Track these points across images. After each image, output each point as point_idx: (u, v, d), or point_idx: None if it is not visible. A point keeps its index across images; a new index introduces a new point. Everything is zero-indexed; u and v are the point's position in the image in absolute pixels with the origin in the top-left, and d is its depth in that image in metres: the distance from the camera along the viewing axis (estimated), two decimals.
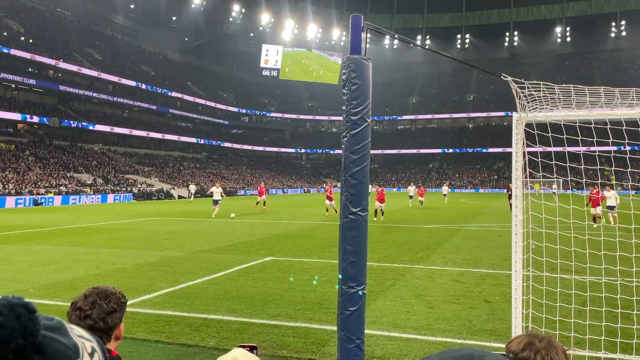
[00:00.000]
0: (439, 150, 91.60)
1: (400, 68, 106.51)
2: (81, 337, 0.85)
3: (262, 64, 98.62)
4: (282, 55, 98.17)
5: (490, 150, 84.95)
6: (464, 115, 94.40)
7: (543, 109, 4.97)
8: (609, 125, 4.72)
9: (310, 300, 8.36)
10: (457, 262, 12.23)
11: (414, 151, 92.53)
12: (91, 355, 0.85)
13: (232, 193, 64.66)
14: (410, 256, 13.09)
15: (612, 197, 21.05)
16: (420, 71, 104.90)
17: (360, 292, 3.69)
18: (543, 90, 4.37)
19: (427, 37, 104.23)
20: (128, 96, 69.16)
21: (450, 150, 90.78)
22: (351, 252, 3.71)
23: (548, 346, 1.64)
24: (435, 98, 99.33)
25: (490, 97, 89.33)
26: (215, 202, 26.33)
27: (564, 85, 4.32)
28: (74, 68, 60.59)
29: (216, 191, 26.72)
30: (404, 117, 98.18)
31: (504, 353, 1.82)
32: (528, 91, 4.44)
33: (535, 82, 4.28)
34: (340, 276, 3.75)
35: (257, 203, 30.83)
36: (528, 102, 4.71)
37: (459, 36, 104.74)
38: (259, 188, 30.79)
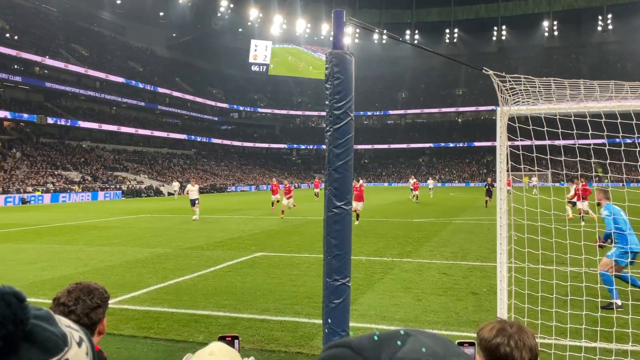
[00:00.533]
0: (429, 145, 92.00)
1: (389, 63, 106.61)
2: (69, 327, 0.86)
3: (251, 60, 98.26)
4: (270, 50, 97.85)
5: (479, 144, 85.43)
6: (453, 109, 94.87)
7: (526, 102, 5.03)
8: (588, 118, 4.79)
9: (299, 294, 8.41)
10: (445, 255, 12.34)
11: (404, 146, 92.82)
12: (79, 344, 0.86)
13: (223, 190, 64.52)
14: (399, 250, 13.18)
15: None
16: (409, 66, 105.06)
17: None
18: (524, 84, 4.43)
19: (416, 32, 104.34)
20: (116, 93, 68.64)
21: (440, 145, 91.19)
22: (335, 245, 3.75)
23: (519, 331, 1.71)
24: (424, 93, 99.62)
25: (479, 92, 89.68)
26: (193, 203, 22.75)
27: (544, 78, 4.38)
28: (60, 65, 59.99)
29: (192, 189, 23.14)
30: (394, 111, 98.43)
31: (465, 343, 1.88)
32: (510, 85, 4.50)
33: (516, 75, 4.34)
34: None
35: (282, 202, 25.05)
36: (510, 96, 4.77)
37: (447, 31, 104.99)
38: (284, 187, 24.65)
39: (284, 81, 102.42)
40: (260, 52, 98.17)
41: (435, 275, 9.92)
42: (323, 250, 3.83)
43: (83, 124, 61.24)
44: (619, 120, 4.76)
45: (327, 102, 3.85)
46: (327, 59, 3.92)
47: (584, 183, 21.69)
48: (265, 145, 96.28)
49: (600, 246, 6.68)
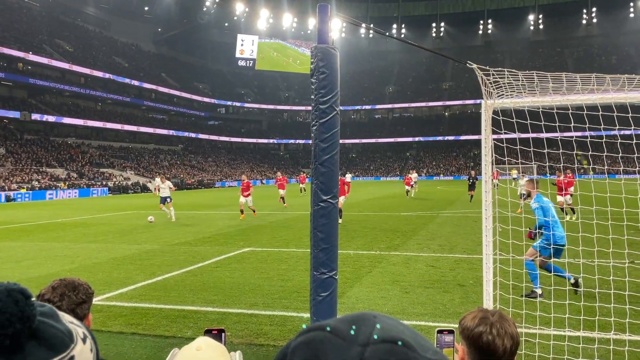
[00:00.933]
0: (416, 139, 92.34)
1: (377, 57, 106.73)
2: (72, 324, 0.85)
3: (237, 55, 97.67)
4: (257, 45, 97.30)
5: (466, 137, 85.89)
6: (440, 103, 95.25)
7: (510, 95, 5.09)
8: (570, 111, 4.87)
9: (288, 289, 8.44)
10: (432, 248, 12.44)
11: (391, 140, 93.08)
12: (84, 340, 0.85)
13: (210, 185, 64.28)
14: (387, 243, 13.26)
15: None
16: (396, 60, 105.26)
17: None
18: (508, 77, 4.47)
19: (402, 25, 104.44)
20: (101, 88, 67.96)
21: (427, 139, 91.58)
22: (322, 239, 3.77)
23: (500, 319, 1.75)
24: (411, 87, 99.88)
25: (465, 86, 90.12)
26: (164, 200, 20.59)
27: (527, 71, 4.44)
28: (44, 60, 59.20)
29: (163, 186, 20.90)
30: (381, 106, 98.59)
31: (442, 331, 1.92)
32: (494, 78, 4.54)
33: (499, 69, 4.38)
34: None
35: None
36: (494, 89, 4.82)
37: (434, 25, 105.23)
38: (242, 183, 21.68)
39: (271, 76, 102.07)
40: (246, 47, 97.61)
41: (422, 267, 10.01)
42: (310, 244, 3.86)
43: (68, 120, 60.57)
44: (600, 113, 4.83)
45: (312, 97, 3.86)
46: (312, 54, 3.93)
47: (570, 175, 21.87)
48: (253, 140, 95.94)
49: (530, 237, 7.02)
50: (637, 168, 5.27)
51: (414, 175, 34.17)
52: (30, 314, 0.74)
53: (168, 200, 20.36)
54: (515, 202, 4.98)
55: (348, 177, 48.41)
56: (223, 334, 1.83)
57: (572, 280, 6.52)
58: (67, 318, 0.85)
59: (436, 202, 28.56)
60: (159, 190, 21.17)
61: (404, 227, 16.79)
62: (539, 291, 6.67)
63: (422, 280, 8.85)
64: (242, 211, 20.53)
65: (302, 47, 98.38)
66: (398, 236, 14.58)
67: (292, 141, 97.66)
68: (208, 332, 1.82)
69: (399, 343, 0.52)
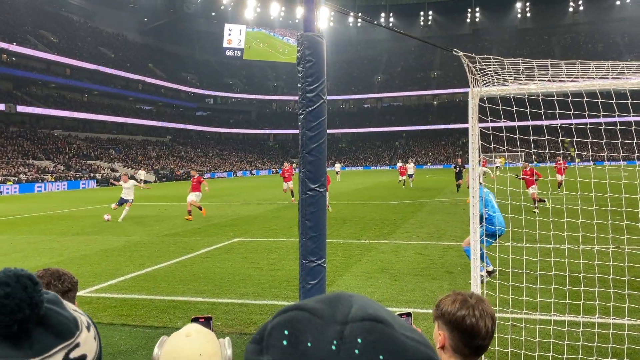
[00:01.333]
0: (405, 128, 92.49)
1: (365, 46, 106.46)
2: (76, 311, 0.85)
3: (225, 44, 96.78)
4: (245, 35, 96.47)
5: (455, 126, 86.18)
6: (429, 92, 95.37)
7: (496, 83, 5.11)
8: (555, 98, 4.90)
9: (277, 278, 8.47)
10: (421, 235, 12.52)
11: (381, 129, 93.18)
12: (88, 328, 0.85)
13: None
14: (376, 232, 13.32)
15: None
16: (385, 49, 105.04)
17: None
18: (494, 65, 4.49)
19: (391, 14, 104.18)
20: (87, 80, 67.16)
21: (416, 128, 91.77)
22: (310, 227, 3.79)
23: (479, 301, 1.78)
24: (400, 76, 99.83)
25: (454, 74, 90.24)
26: (122, 202, 17.80)
27: (512, 59, 4.45)
28: (28, 51, 58.33)
29: (126, 186, 17.95)
30: (370, 95, 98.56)
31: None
32: (480, 66, 4.56)
33: (485, 56, 4.40)
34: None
35: (188, 199, 18.97)
36: (480, 77, 4.84)
37: (422, 13, 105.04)
38: (193, 179, 18.50)
39: (259, 66, 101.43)
40: (234, 37, 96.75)
41: (411, 255, 10.08)
42: (298, 233, 3.87)
43: (54, 112, 59.87)
44: (585, 99, 4.87)
45: (299, 85, 3.85)
46: (299, 42, 3.92)
47: (561, 162, 22.13)
48: (242, 130, 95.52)
49: None
50: (622, 154, 5.34)
51: (410, 165, 32.90)
52: (38, 300, 0.74)
53: (129, 202, 17.82)
54: (502, 188, 5.02)
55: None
56: (210, 322, 1.83)
57: (484, 273, 6.65)
58: (70, 306, 0.85)
59: (425, 190, 28.70)
60: (140, 183, 17.69)
61: (393, 215, 16.87)
62: (490, 268, 7.24)
63: (411, 268, 8.92)
64: (189, 212, 17.29)
65: (287, 37, 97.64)
66: (387, 225, 14.65)
67: (281, 131, 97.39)
68: (195, 320, 1.83)
69: (377, 321, 0.52)
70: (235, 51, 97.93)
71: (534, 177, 16.89)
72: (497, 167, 31.98)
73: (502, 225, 7.04)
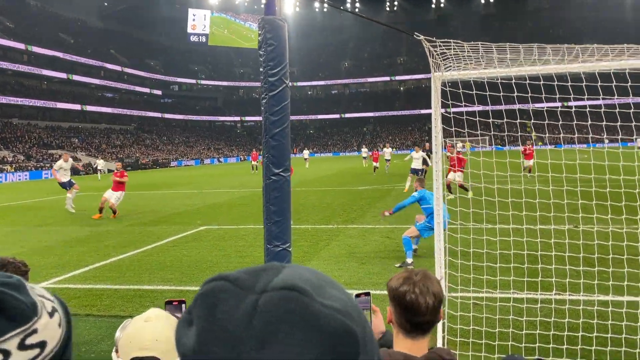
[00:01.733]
0: (373, 114, 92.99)
1: (332, 31, 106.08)
2: (42, 297, 0.82)
3: (189, 30, 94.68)
4: (210, 20, 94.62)
5: (422, 111, 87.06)
6: (396, 78, 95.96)
7: (458, 67, 5.18)
8: (513, 81, 5.03)
9: (246, 264, 8.42)
10: (388, 219, 12.64)
11: (348, 115, 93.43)
12: (51, 314, 0.82)
13: (165, 165, 63.03)
14: (344, 217, 13.42)
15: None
16: (352, 35, 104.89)
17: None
18: (454, 48, 4.55)
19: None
20: (46, 66, 64.96)
21: (384, 113, 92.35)
22: (275, 212, 3.80)
23: (424, 278, 1.83)
24: (367, 61, 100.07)
25: (419, 60, 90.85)
26: (67, 185, 16.73)
27: (472, 43, 4.53)
28: None
29: (65, 166, 16.86)
30: (337, 81, 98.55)
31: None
32: (441, 50, 4.61)
33: (445, 40, 4.45)
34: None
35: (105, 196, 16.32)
36: (442, 61, 4.90)
37: None
38: (115, 173, 16.26)
39: (225, 52, 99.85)
40: (198, 22, 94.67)
41: (378, 239, 10.22)
42: (263, 218, 3.88)
43: (12, 99, 57.77)
44: (542, 82, 5.00)
45: (261, 69, 3.83)
46: (260, 26, 3.89)
47: (530, 147, 22.41)
48: (209, 117, 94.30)
49: (384, 215, 8.90)
50: (576, 135, 5.51)
51: (387, 150, 32.04)
52: None
53: (71, 185, 16.70)
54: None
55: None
56: (183, 305, 1.82)
57: (410, 260, 7.89)
58: (37, 291, 0.82)
59: (393, 175, 28.99)
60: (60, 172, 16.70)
61: (360, 200, 17.01)
62: (409, 260, 7.89)
63: (378, 251, 9.05)
64: (101, 209, 15.10)
65: (250, 22, 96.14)
66: (355, 210, 14.77)
67: (249, 118, 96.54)
68: (169, 304, 1.81)
69: (293, 289, 0.52)
70: (200, 37, 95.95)
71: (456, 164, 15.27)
72: (458, 151, 30.98)
73: (446, 218, 7.20)
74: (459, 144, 33.82)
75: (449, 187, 15.11)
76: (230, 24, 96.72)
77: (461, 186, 15.12)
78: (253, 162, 37.85)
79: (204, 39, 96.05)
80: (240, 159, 78.54)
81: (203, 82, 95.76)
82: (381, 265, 8.00)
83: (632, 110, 5.20)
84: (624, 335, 4.38)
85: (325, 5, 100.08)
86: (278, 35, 3.75)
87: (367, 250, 9.15)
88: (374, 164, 31.18)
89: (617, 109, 5.00)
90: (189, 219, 14.09)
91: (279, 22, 3.76)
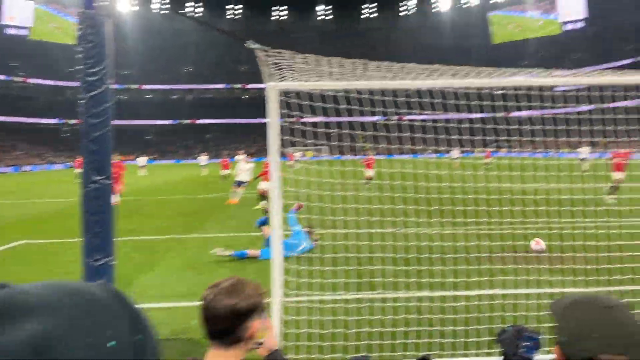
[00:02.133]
0: (216, 121, 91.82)
1: (173, 35, 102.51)
2: None
3: (5, 21, 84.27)
4: (34, 11, 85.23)
5: (265, 120, 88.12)
6: (239, 85, 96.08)
7: (292, 78, 5.31)
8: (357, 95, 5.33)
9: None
10: (230, 227, 12.56)
11: (190, 122, 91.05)
12: None
13: None
14: (184, 227, 12.96)
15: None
16: (193, 40, 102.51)
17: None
18: (286, 59, 4.66)
19: (199, 4, 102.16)
20: None
21: (227, 121, 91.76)
22: (96, 222, 3.48)
23: (237, 282, 1.83)
24: (210, 67, 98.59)
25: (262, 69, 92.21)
26: None
27: (306, 55, 4.68)
28: None
29: None
30: (179, 86, 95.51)
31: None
32: (274, 60, 4.68)
33: (278, 50, 4.53)
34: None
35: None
36: (276, 71, 4.98)
37: (230, 6, 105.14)
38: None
39: (50, 48, 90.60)
40: (18, 13, 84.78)
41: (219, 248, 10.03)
42: (81, 229, 3.54)
43: None
44: (375, 97, 5.36)
45: (80, 67, 3.50)
46: (80, 20, 3.56)
47: (371, 159, 23.62)
48: (30, 119, 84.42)
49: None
50: (409, 146, 6.01)
51: (202, 158, 31.47)
52: None
53: None
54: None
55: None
56: None
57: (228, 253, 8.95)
58: None
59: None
60: None
61: (203, 209, 16.61)
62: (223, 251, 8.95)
63: (218, 261, 8.89)
64: None
65: (64, 13, 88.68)
66: (197, 219, 14.36)
67: (77, 121, 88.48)
68: None
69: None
70: (20, 29, 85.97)
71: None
72: (296, 160, 30.57)
73: (303, 239, 8.34)
74: (298, 153, 34.49)
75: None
76: (56, 18, 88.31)
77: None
78: (77, 170, 34.69)
79: (24, 32, 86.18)
80: (70, 165, 71.58)
81: (23, 80, 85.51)
82: (221, 274, 7.84)
83: (448, 125, 5.83)
84: (437, 328, 4.85)
85: (167, 7, 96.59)
86: (99, 32, 3.46)
87: (206, 260, 8.94)
88: (224, 170, 29.86)
89: (434, 124, 5.58)
90: (2, 232, 12.39)
91: (100, 18, 3.48)
